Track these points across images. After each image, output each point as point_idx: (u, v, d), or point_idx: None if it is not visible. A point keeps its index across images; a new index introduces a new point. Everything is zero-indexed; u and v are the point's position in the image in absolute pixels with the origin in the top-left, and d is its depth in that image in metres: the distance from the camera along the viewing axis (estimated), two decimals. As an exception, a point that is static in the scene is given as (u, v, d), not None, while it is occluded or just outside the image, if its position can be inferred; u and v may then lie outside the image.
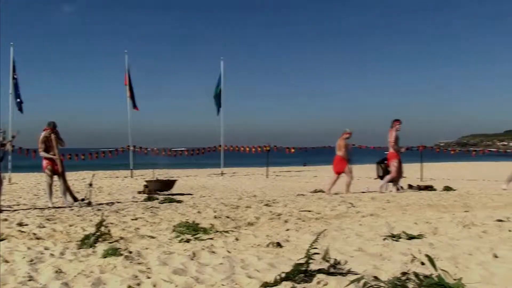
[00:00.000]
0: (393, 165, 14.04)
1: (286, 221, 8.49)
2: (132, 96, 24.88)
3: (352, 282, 4.02)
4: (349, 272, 4.70)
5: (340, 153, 14.30)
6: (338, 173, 14.36)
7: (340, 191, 14.24)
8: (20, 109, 21.89)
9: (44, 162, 11.81)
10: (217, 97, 26.44)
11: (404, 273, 4.27)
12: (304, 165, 37.09)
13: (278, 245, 6.30)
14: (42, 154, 11.79)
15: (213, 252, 5.95)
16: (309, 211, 9.81)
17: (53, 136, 11.70)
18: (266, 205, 10.92)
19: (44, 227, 8.09)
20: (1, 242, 6.79)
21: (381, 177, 14.95)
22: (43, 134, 11.73)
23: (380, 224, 7.84)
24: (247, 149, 31.83)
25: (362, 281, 3.82)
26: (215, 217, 9.01)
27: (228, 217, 8.96)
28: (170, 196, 13.55)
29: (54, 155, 11.75)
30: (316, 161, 37.92)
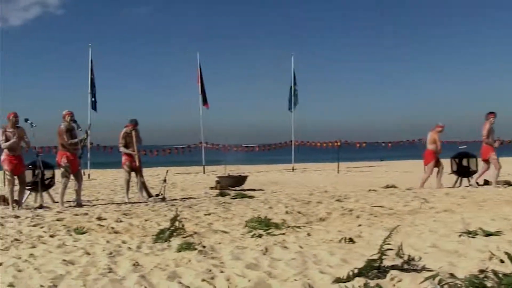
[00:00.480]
0: (492, 158, 13.57)
1: (358, 217, 8.40)
2: (204, 94, 25.19)
3: (427, 279, 3.94)
4: (423, 268, 4.60)
5: (431, 146, 13.96)
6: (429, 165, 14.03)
7: (413, 186, 13.93)
8: (94, 108, 22.58)
9: (123, 158, 12.12)
10: (293, 93, 26.39)
11: (481, 271, 4.14)
12: (381, 161, 36.38)
13: (351, 240, 6.24)
14: (122, 149, 12.11)
15: (285, 247, 5.96)
16: (381, 206, 9.67)
17: (134, 133, 12.00)
18: (338, 200, 10.84)
19: (121, 221, 8.35)
20: (83, 235, 7.09)
21: (456, 172, 14.53)
22: (124, 130, 12.06)
23: (455, 220, 7.62)
24: (318, 144, 31.74)
25: (438, 278, 3.73)
26: (286, 212, 9.03)
27: (299, 213, 8.95)
28: (241, 191, 13.63)
29: (133, 151, 12.03)
30: (393, 157, 37.19)
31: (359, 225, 7.53)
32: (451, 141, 27.78)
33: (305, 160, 32.11)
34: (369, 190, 13.34)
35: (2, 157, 10.60)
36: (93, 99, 22.50)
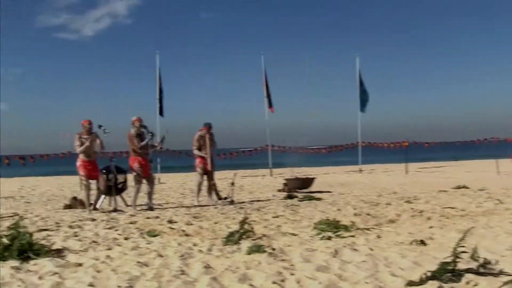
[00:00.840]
0: None
1: (428, 218, 8.22)
2: (269, 97, 25.27)
3: (506, 283, 3.81)
4: (501, 272, 4.46)
5: None
6: None
7: (485, 187, 13.49)
8: (161, 113, 23.00)
9: (197, 161, 12.17)
10: (363, 94, 26.15)
11: None
12: (456, 160, 35.27)
13: (422, 242, 6.12)
14: (196, 152, 12.19)
15: (355, 249, 5.91)
16: (453, 207, 9.42)
17: (207, 136, 12.08)
18: (407, 201, 10.64)
19: (191, 224, 8.48)
20: (155, 237, 7.25)
21: None
22: (198, 133, 12.12)
23: (533, 222, 7.35)
24: (385, 145, 31.24)
25: (516, 282, 3.61)
26: (355, 214, 8.94)
27: (368, 214, 8.84)
28: (309, 193, 13.59)
29: (206, 154, 12.08)
30: (466, 156, 36.10)
31: (430, 227, 7.37)
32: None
33: (373, 161, 31.68)
34: (439, 191, 13.02)
35: (78, 162, 10.95)
36: (159, 104, 22.93)
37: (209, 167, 12.08)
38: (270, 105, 25.29)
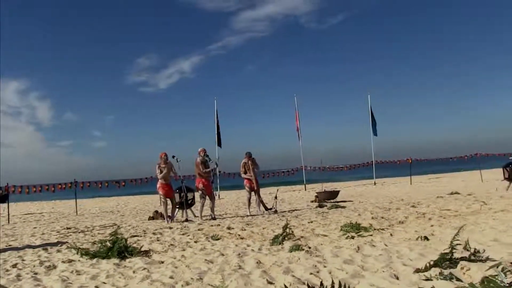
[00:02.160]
0: None
1: (430, 219, 8.03)
2: (299, 131, 25.21)
3: (491, 267, 3.72)
4: (488, 259, 4.35)
5: None
6: None
7: (472, 192, 13.07)
8: (219, 144, 23.09)
9: (245, 181, 12.20)
10: (371, 123, 25.95)
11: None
12: (459, 171, 34.05)
13: (426, 238, 6.00)
14: (243, 175, 12.26)
15: (373, 245, 5.84)
16: (449, 209, 9.18)
17: (250, 162, 12.07)
18: (412, 206, 10.42)
19: (245, 229, 8.48)
20: (218, 241, 7.31)
21: (507, 179, 13.64)
22: (243, 160, 12.14)
23: (510, 219, 7.09)
24: (394, 161, 30.61)
25: (501, 266, 3.52)
26: (372, 218, 8.81)
27: (382, 218, 8.71)
28: (335, 203, 13.46)
29: (251, 176, 12.06)
30: (457, 169, 35.04)
31: (432, 226, 7.21)
32: (502, 153, 26.04)
33: (384, 176, 31.08)
34: (437, 197, 12.69)
35: (158, 185, 11.12)
36: (218, 138, 23.11)
37: (254, 186, 12.07)
38: (299, 137, 25.23)
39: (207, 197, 11.22)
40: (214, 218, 10.99)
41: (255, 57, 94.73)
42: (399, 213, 9.22)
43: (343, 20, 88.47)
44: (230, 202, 18.37)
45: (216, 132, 23.10)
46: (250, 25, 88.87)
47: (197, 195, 11.74)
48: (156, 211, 12.64)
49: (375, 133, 26.05)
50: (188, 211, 11.84)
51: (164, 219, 11.16)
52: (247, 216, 11.44)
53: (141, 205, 19.77)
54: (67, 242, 8.08)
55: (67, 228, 10.91)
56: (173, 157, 11.15)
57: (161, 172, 10.95)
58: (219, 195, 21.69)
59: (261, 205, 12.19)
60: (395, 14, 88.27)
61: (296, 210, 12.49)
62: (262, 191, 24.25)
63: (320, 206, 12.83)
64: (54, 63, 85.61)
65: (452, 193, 13.72)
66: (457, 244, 4.46)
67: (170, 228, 9.41)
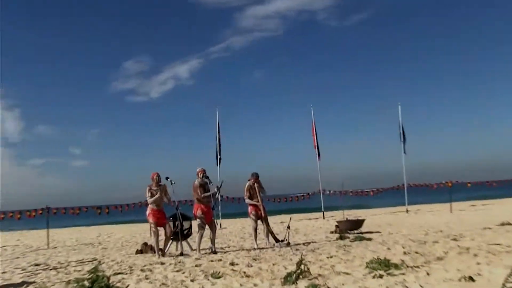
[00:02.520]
0: None
1: (475, 255, 7.91)
2: (317, 147, 25.16)
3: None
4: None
5: None
6: None
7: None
8: (218, 164, 23.08)
9: (249, 208, 12.17)
10: (402, 138, 25.82)
11: None
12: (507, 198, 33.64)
13: (471, 279, 5.89)
14: (247, 201, 12.17)
15: (406, 286, 5.75)
16: (499, 244, 9.04)
17: (256, 185, 12.06)
18: (453, 239, 10.29)
19: (251, 266, 8.42)
20: (219, 279, 7.24)
21: None
22: (248, 183, 12.12)
23: None
24: (430, 185, 30.42)
25: None
26: (404, 252, 8.70)
27: (417, 253, 8.60)
28: (360, 234, 13.35)
29: (258, 201, 12.05)
30: (508, 194, 34.69)
31: (478, 264, 7.09)
32: None
33: (418, 202, 30.89)
34: (484, 228, 12.54)
35: (148, 211, 11.12)
36: (219, 156, 23.05)
37: (261, 213, 12.02)
38: (319, 154, 25.15)
39: (206, 227, 11.19)
40: (215, 252, 10.93)
41: (264, 61, 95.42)
42: (437, 248, 9.10)
43: (369, 16, 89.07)
44: (233, 232, 18.27)
45: (217, 149, 23.05)
46: (258, 23, 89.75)
47: (194, 224, 11.70)
48: (146, 243, 12.61)
49: (404, 150, 25.89)
50: (184, 243, 11.78)
51: (154, 252, 11.10)
52: (254, 249, 11.38)
53: (128, 236, 19.73)
54: (34, 282, 8.05)
55: (36, 265, 10.87)
56: (167, 178, 11.16)
57: (152, 196, 10.94)
58: (220, 224, 21.60)
59: (270, 236, 12.11)
60: (434, 9, 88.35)
61: (312, 242, 12.39)
62: (272, 219, 24.15)
63: (342, 238, 12.73)
64: (25, 67, 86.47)
65: (502, 224, 13.55)
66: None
67: (162, 263, 9.37)
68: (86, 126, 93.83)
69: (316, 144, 25.14)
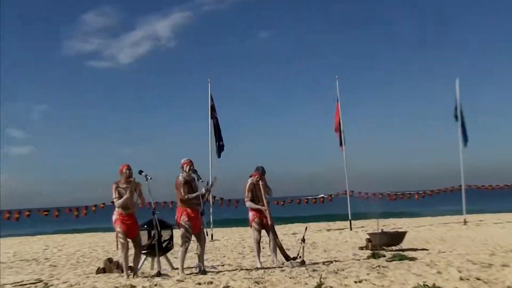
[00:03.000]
0: None
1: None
2: (341, 132, 25.07)
3: None
4: None
5: None
6: None
7: None
8: (219, 154, 23.08)
9: (251, 214, 12.14)
10: (462, 122, 25.57)
11: None
12: None
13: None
14: (249, 204, 12.14)
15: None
16: None
17: (261, 183, 12.07)
18: (530, 262, 10.31)
19: (256, 291, 8.44)
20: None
21: None
22: (249, 180, 12.16)
23: None
24: (496, 187, 30.42)
25: None
26: (461, 278, 8.72)
27: (478, 279, 8.61)
28: (399, 252, 13.37)
29: (263, 205, 12.04)
30: None
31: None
32: None
33: (480, 210, 30.94)
34: None
35: (114, 216, 11.07)
36: (218, 143, 23.02)
37: (267, 221, 12.04)
38: (341, 142, 25.03)
39: (193, 238, 11.18)
40: (204, 272, 10.91)
41: (270, 18, 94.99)
42: (507, 273, 9.14)
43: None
44: (229, 246, 18.31)
45: (210, 134, 23.01)
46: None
47: (177, 234, 11.72)
48: (110, 259, 12.65)
49: (465, 143, 25.66)
50: (162, 259, 11.80)
51: (122, 272, 11.13)
52: (257, 269, 11.40)
53: (86, 249, 19.83)
54: None
55: None
56: (141, 173, 11.13)
57: (120, 196, 10.91)
58: (212, 235, 21.65)
59: (278, 251, 12.13)
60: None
61: (335, 261, 12.43)
62: (281, 229, 24.23)
63: (375, 256, 12.75)
64: None
65: None
66: None
67: (132, 287, 9.40)
68: (30, 101, 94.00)
69: (339, 127, 25.06)
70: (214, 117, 23.09)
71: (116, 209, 10.98)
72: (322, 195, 31.57)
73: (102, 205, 27.05)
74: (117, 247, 11.50)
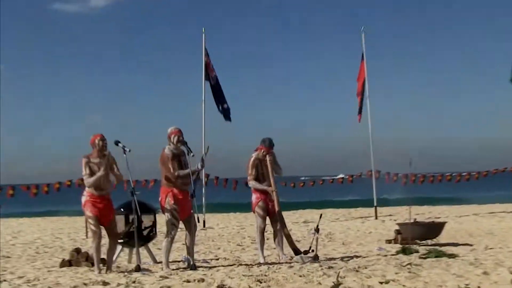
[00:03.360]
0: None
1: None
2: (362, 96, 25.04)
3: None
4: None
5: None
6: None
7: None
8: (227, 118, 23.09)
9: (254, 197, 12.15)
10: None
11: None
12: None
13: None
14: (252, 184, 12.14)
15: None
16: None
17: (268, 158, 12.05)
18: None
19: (254, 291, 8.52)
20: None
21: None
22: (254, 155, 12.16)
23: None
24: None
25: None
26: (513, 280, 8.77)
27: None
28: (436, 247, 13.40)
29: (270, 186, 12.05)
30: None
31: None
32: None
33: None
34: None
35: (84, 198, 11.08)
36: (222, 105, 23.03)
37: (274, 206, 12.07)
38: (360, 109, 25.03)
39: (181, 225, 11.23)
40: (194, 267, 10.97)
41: None
42: None
43: None
44: (225, 235, 18.38)
45: (203, 96, 23.04)
46: None
47: (161, 220, 11.76)
48: (78, 250, 12.72)
49: None
50: (143, 250, 11.86)
51: (93, 265, 11.21)
52: (259, 264, 11.51)
53: (47, 237, 19.89)
54: None
55: None
56: (117, 143, 11.13)
57: (92, 174, 10.86)
58: (204, 222, 21.72)
59: (286, 243, 12.20)
60: None
61: (356, 256, 12.53)
62: (291, 216, 24.30)
63: (406, 251, 12.80)
64: None
65: None
66: None
67: (105, 284, 9.45)
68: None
69: (362, 91, 25.05)
70: (210, 77, 23.04)
71: (87, 189, 10.97)
72: (341, 176, 31.69)
73: (68, 183, 27.10)
74: (87, 235, 11.56)
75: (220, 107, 23.06)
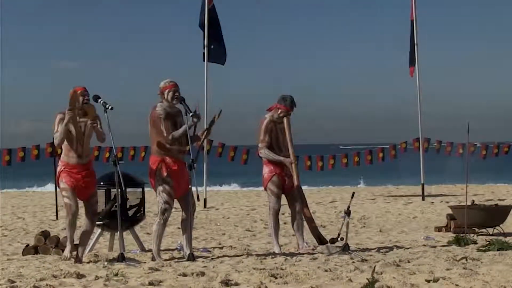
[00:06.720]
0: None
1: None
2: (414, 46, 25.06)
3: None
4: None
5: None
6: None
7: None
8: (220, 61, 23.21)
9: (267, 170, 12.05)
10: None
11: None
12: None
13: None
14: (265, 153, 11.99)
15: None
16: None
17: (285, 121, 12.02)
18: None
19: (265, 288, 8.57)
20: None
21: None
22: (268, 117, 11.99)
23: None
24: None
25: None
26: None
27: None
28: (499, 237, 13.42)
29: (288, 157, 11.99)
30: None
31: None
32: None
33: None
34: None
35: (59, 167, 11.08)
36: (213, 45, 23.16)
37: (293, 181, 12.05)
38: (412, 63, 25.08)
39: (176, 204, 11.26)
40: (192, 257, 10.99)
41: None
42: None
43: None
44: (231, 218, 18.48)
45: (204, 42, 23.12)
46: None
47: (151, 197, 11.81)
48: (46, 233, 12.80)
49: None
50: (128, 235, 11.95)
51: (63, 251, 11.28)
52: (274, 255, 11.55)
53: (7, 217, 20.03)
54: None
55: None
56: (97, 99, 11.04)
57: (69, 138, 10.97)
58: (205, 201, 21.97)
59: (308, 229, 12.22)
60: None
61: (398, 247, 12.56)
62: (313, 196, 24.40)
63: (460, 242, 12.83)
64: None
65: None
66: None
67: (80, 276, 9.49)
68: None
69: (411, 39, 25.12)
70: (207, 19, 23.18)
71: (62, 156, 10.99)
72: (379, 146, 31.61)
73: (35, 151, 27.17)
74: (57, 216, 11.56)
75: (211, 46, 23.10)
